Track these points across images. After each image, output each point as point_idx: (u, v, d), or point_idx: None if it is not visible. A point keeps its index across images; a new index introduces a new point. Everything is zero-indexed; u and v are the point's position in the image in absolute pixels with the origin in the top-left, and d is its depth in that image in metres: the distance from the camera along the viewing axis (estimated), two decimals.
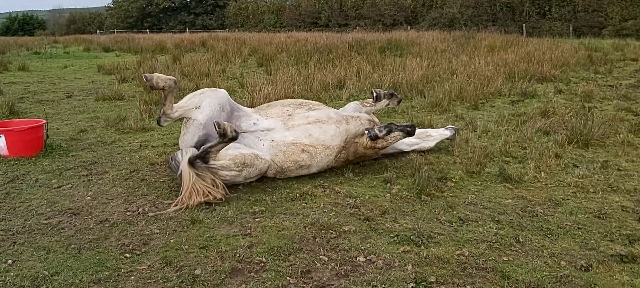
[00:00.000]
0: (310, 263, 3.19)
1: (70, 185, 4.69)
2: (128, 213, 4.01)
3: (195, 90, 4.68)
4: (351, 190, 4.48)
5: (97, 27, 61.36)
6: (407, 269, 3.10)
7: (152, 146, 6.02)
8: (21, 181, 4.79)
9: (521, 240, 3.49)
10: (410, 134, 5.02)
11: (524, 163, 5.17)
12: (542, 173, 4.88)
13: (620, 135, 6.18)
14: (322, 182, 4.68)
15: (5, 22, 73.93)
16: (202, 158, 4.21)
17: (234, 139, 4.22)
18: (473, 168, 4.97)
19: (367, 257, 3.26)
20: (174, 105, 4.55)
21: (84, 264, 3.18)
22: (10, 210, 4.09)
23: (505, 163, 5.17)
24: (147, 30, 50.88)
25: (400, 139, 5.05)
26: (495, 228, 3.69)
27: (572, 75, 11.82)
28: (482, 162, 5.14)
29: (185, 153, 4.32)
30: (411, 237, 3.49)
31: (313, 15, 49.81)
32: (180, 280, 3.00)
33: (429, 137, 5.65)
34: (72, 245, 3.43)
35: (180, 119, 4.63)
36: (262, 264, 3.18)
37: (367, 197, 4.31)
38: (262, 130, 4.73)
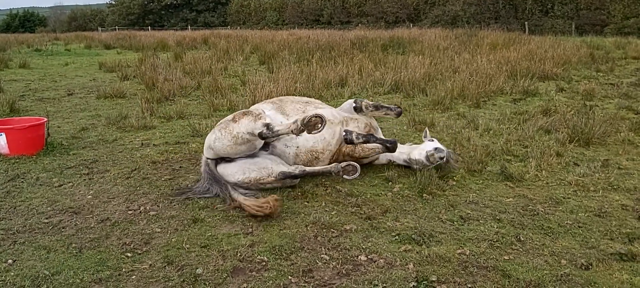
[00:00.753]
0: (312, 262, 3.20)
1: (71, 183, 4.70)
2: (129, 212, 4.01)
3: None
4: (353, 189, 4.48)
5: (98, 24, 61.38)
6: (408, 268, 3.10)
7: (154, 144, 6.02)
8: (22, 180, 4.79)
9: (522, 239, 3.49)
10: (390, 149, 4.67)
11: (525, 162, 5.16)
12: (543, 171, 4.87)
13: (621, 133, 6.17)
14: (323, 180, 4.68)
15: (6, 19, 73.97)
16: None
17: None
18: (474, 166, 4.97)
19: (369, 256, 3.26)
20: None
21: (85, 263, 3.19)
22: (10, 208, 4.09)
23: (507, 161, 5.17)
24: (149, 28, 50.88)
25: (380, 152, 4.80)
26: (497, 227, 3.69)
27: (574, 73, 11.81)
28: (484, 160, 5.14)
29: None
30: (412, 235, 3.49)
31: (315, 12, 49.73)
32: (182, 280, 3.00)
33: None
34: (73, 244, 3.44)
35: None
36: (264, 263, 3.18)
37: (368, 196, 4.31)
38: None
